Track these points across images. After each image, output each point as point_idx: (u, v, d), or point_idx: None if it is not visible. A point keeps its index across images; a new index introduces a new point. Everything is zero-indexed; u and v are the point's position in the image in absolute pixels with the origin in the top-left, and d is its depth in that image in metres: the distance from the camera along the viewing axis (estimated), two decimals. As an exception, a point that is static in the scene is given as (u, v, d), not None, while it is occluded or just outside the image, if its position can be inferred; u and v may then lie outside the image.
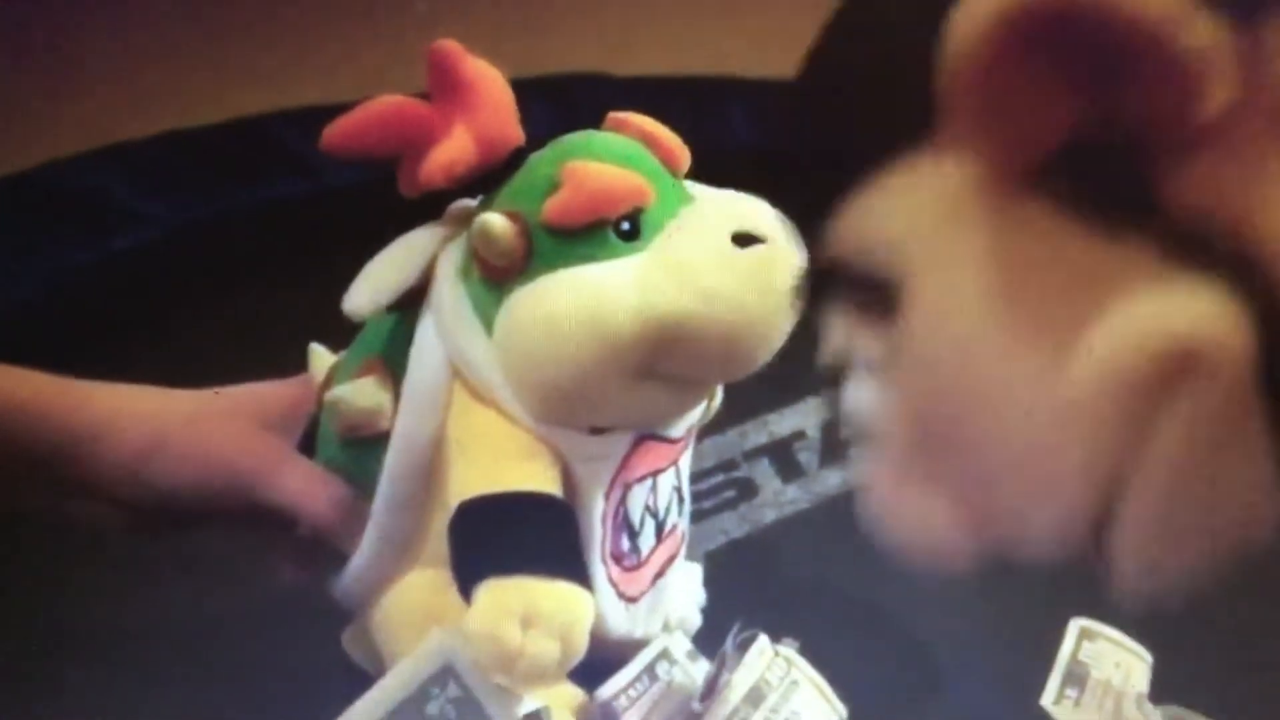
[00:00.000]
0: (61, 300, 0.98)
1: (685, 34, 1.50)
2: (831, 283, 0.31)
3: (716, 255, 0.49)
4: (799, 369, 0.89)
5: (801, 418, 0.87)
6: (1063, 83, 0.26)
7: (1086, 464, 0.26)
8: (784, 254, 0.50)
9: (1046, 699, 0.60)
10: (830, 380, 0.34)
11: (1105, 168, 0.26)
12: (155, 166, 1.17)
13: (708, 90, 1.31)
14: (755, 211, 0.51)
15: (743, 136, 1.26)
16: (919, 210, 0.29)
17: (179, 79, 1.40)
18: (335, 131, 0.50)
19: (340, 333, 0.58)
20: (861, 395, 0.31)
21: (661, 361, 0.50)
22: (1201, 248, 0.25)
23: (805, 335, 0.90)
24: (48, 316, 0.95)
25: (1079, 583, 0.69)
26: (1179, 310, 0.25)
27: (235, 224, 1.09)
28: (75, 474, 0.52)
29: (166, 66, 1.44)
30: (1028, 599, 0.70)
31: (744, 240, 0.49)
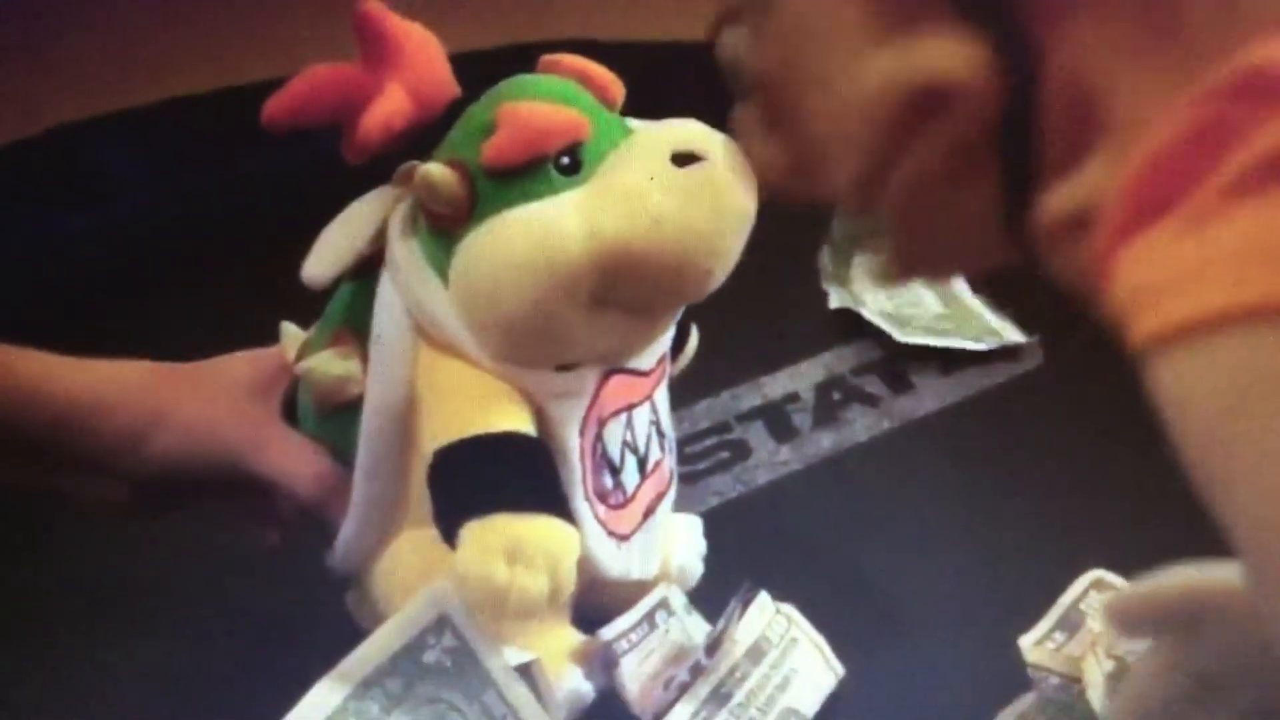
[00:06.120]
0: (52, 267, 0.99)
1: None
2: None
3: (657, 177, 0.49)
4: (791, 331, 0.90)
5: (794, 380, 0.87)
6: None
7: (858, 161, 0.31)
8: (726, 170, 0.50)
9: (1027, 638, 0.60)
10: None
11: None
12: (148, 134, 1.18)
13: (696, 55, 1.31)
14: (694, 132, 0.51)
15: (731, 101, 1.26)
16: None
17: (173, 47, 1.40)
18: (274, 105, 0.50)
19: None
20: (739, 44, 0.35)
21: (614, 289, 0.50)
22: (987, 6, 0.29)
23: (797, 299, 0.91)
24: (39, 283, 0.96)
25: (1076, 542, 0.70)
26: (946, 53, 0.28)
27: (229, 191, 1.09)
28: (75, 450, 0.53)
29: (160, 34, 1.44)
30: (1021, 556, 0.71)
31: (684, 160, 0.50)
